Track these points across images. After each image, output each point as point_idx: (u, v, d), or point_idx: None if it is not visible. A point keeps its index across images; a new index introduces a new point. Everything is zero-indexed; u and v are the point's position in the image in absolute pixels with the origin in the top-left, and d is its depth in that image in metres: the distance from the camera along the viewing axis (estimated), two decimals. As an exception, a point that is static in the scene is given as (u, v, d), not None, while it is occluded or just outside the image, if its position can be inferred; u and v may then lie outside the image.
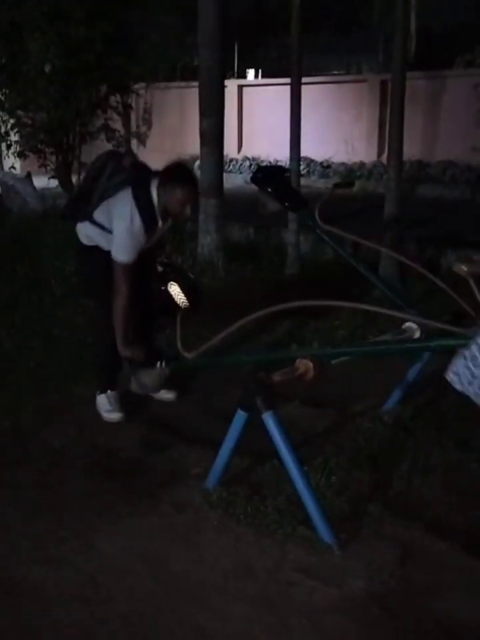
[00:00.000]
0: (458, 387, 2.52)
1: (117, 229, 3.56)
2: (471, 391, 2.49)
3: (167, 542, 2.80)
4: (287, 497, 2.96)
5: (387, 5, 6.04)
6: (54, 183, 9.28)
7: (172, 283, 3.57)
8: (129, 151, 3.34)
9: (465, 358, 2.50)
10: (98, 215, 3.67)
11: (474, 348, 2.48)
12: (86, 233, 3.77)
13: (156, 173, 3.64)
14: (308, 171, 14.63)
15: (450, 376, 2.53)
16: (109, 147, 8.38)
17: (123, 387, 4.04)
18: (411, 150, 13.86)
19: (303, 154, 14.77)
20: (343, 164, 14.57)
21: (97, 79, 7.77)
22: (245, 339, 4.92)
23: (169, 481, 3.25)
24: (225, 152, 15.51)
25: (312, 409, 4.02)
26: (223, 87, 6.79)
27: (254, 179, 3.86)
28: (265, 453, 3.12)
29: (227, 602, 2.47)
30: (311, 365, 2.95)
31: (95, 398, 3.99)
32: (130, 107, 8.61)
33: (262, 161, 14.56)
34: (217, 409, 3.93)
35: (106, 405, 3.94)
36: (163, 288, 3.60)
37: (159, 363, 3.46)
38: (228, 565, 2.65)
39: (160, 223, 3.64)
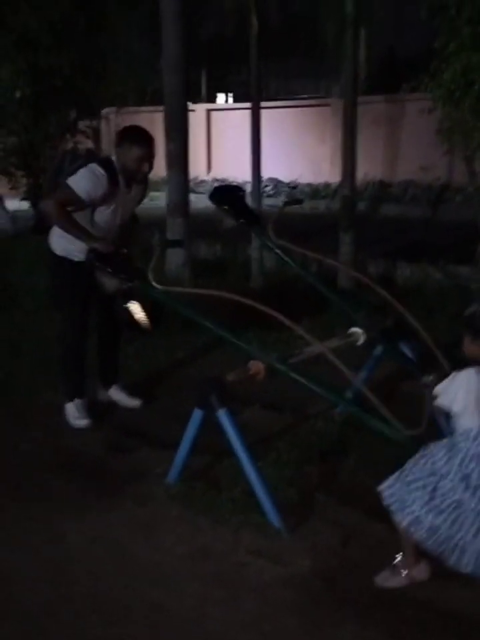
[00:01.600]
0: (387, 503, 2.70)
1: (77, 174, 3.74)
2: (393, 508, 2.67)
3: (129, 531, 3.02)
4: (242, 489, 3.18)
5: (341, 32, 6.36)
6: (26, 205, 9.50)
7: (133, 301, 3.68)
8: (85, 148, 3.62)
9: (402, 482, 2.70)
10: None
11: (411, 476, 2.67)
12: (55, 239, 3.98)
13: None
14: (275, 192, 15.05)
15: (384, 490, 2.73)
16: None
17: (90, 396, 4.27)
18: (374, 170, 14.36)
19: (270, 175, 15.32)
20: (309, 184, 15.02)
21: (66, 104, 8.05)
22: (209, 346, 5.18)
23: (132, 480, 3.46)
24: (195, 174, 16.00)
25: (271, 411, 4.28)
26: (186, 111, 7.09)
27: (211, 198, 4.12)
28: (225, 452, 3.33)
29: (182, 582, 2.69)
30: (262, 366, 3.20)
31: (62, 406, 4.19)
32: (97, 130, 8.87)
33: (230, 182, 14.88)
34: (180, 413, 4.12)
35: (74, 413, 4.15)
36: (124, 305, 3.75)
37: (122, 276, 3.49)
38: (185, 550, 2.88)
39: (121, 183, 3.86)
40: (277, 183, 15.35)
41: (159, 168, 7.56)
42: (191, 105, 17.37)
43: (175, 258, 7.29)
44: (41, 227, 4.06)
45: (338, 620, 2.48)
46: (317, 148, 15.26)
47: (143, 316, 3.70)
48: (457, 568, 2.60)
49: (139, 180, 3.94)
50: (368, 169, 14.01)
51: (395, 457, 3.53)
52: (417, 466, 2.69)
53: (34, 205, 7.92)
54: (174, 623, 2.48)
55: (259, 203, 7.23)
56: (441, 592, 2.64)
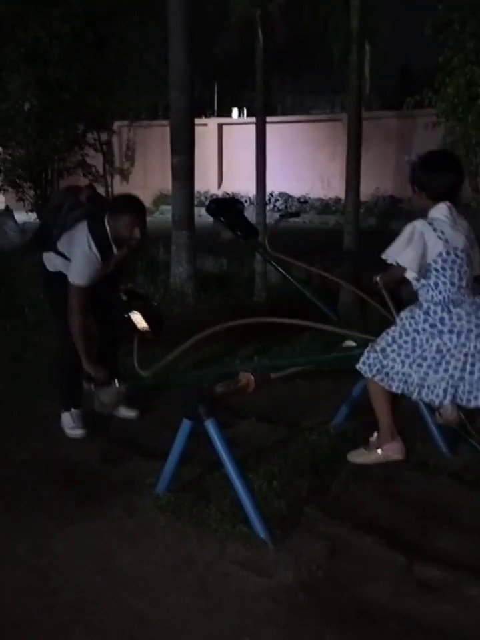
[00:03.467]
0: (368, 375, 2.77)
1: (74, 255, 3.85)
2: (378, 378, 2.74)
3: (115, 541, 3.02)
4: (231, 501, 3.18)
5: (347, 46, 6.41)
6: (34, 216, 9.58)
7: (134, 311, 3.74)
8: (89, 185, 3.67)
9: (376, 351, 2.76)
10: (60, 245, 3.96)
11: (383, 342, 2.74)
12: (50, 260, 4.05)
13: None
14: (286, 206, 15.08)
15: (360, 366, 2.78)
16: (85, 181, 8.72)
17: (86, 406, 4.29)
18: (385, 186, 14.37)
19: (280, 190, 15.37)
20: (319, 199, 15.04)
21: (75, 117, 8.14)
22: (208, 360, 5.19)
23: (123, 489, 3.47)
24: (206, 188, 16.06)
25: (266, 425, 4.28)
26: (192, 125, 7.14)
27: (208, 209, 4.16)
28: (216, 463, 3.32)
29: (166, 591, 2.69)
30: (251, 377, 3.21)
31: (60, 416, 4.21)
32: (107, 143, 8.96)
33: (241, 197, 14.93)
34: (175, 424, 4.15)
35: (70, 422, 4.17)
36: (125, 315, 3.77)
37: (115, 382, 3.62)
38: (170, 559, 2.88)
39: (115, 250, 3.92)
40: (287, 197, 15.39)
41: (168, 182, 7.66)
42: (202, 119, 17.53)
43: (179, 271, 7.33)
44: (36, 244, 4.10)
45: (319, 632, 2.47)
46: (328, 163, 15.28)
47: (145, 325, 3.73)
48: (454, 402, 2.65)
49: (133, 249, 3.96)
50: (379, 184, 14.04)
51: (386, 471, 3.54)
52: (387, 335, 2.75)
53: (41, 217, 8.04)
54: (154, 632, 2.48)
55: (264, 216, 7.26)
56: (424, 606, 2.61)
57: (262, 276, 7.13)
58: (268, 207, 10.81)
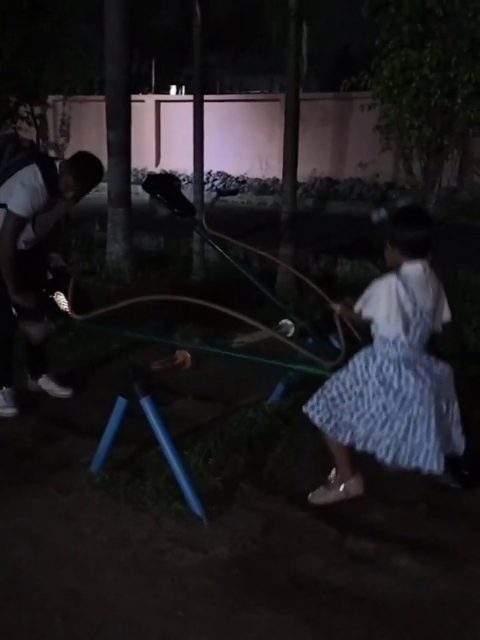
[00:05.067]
0: (316, 422, 2.76)
1: (18, 186, 3.70)
2: (326, 428, 2.74)
3: (49, 519, 2.99)
4: (166, 478, 3.18)
5: (284, 28, 6.40)
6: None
7: (58, 292, 3.61)
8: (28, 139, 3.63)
9: (325, 398, 2.74)
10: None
11: (334, 390, 2.73)
12: None
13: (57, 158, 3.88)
14: (224, 185, 15.03)
15: (308, 411, 2.77)
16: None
17: (19, 384, 4.21)
18: (322, 168, 14.47)
19: (219, 169, 15.29)
20: (257, 179, 15.03)
21: (6, 89, 7.89)
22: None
23: (57, 468, 3.43)
24: (143, 165, 15.82)
25: (203, 402, 4.29)
26: (129, 100, 7.02)
27: (145, 186, 4.10)
28: (151, 441, 3.32)
29: (100, 569, 2.68)
30: (188, 355, 3.20)
31: (-9, 395, 4.13)
32: (40, 117, 8.72)
33: (179, 175, 14.79)
34: (109, 403, 4.11)
35: (1, 401, 4.09)
36: (50, 296, 3.65)
37: (45, 318, 3.50)
38: (105, 537, 2.87)
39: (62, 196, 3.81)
40: (225, 176, 15.34)
41: (103, 158, 7.52)
42: (140, 95, 17.23)
43: (115, 249, 7.24)
44: None
45: (253, 605, 2.50)
46: (266, 143, 15.27)
47: (68, 308, 3.61)
48: (395, 465, 2.68)
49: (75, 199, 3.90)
50: (316, 165, 14.12)
51: (318, 447, 3.60)
52: (338, 380, 2.72)
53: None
54: (89, 609, 2.47)
55: (202, 195, 7.22)
56: (356, 577, 2.68)
57: (200, 255, 7.11)
58: (206, 186, 10.76)
